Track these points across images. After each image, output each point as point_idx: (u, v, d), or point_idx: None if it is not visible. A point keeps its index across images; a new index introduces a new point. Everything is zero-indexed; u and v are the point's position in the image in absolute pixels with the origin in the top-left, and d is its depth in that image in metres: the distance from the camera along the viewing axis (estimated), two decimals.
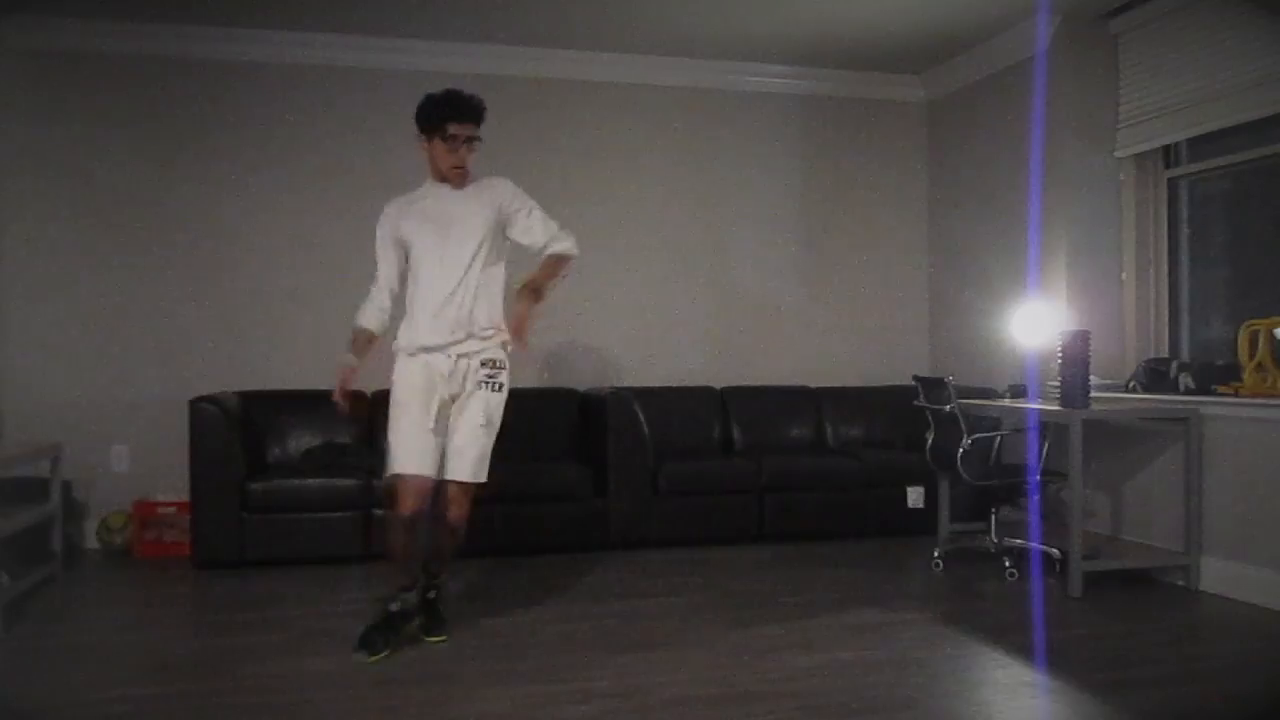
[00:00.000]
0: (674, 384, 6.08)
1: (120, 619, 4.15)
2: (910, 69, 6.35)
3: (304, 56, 5.68)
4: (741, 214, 6.36)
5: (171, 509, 5.20)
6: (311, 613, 4.08)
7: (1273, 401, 4.12)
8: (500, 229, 3.66)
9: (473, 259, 3.58)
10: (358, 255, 5.88)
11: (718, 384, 6.15)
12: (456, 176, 3.60)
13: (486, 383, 3.60)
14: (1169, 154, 5.23)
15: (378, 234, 3.71)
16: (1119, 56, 5.31)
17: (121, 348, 5.52)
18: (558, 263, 3.66)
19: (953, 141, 6.34)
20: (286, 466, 5.22)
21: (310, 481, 4.99)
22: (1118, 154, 5.31)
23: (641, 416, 5.36)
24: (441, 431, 3.58)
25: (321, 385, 5.58)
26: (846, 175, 6.50)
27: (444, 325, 3.56)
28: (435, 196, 3.64)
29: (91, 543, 5.38)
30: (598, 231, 6.06)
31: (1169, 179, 5.24)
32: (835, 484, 5.58)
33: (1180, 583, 4.50)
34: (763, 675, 3.30)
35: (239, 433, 4.98)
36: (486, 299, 3.62)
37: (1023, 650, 3.60)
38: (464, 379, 3.59)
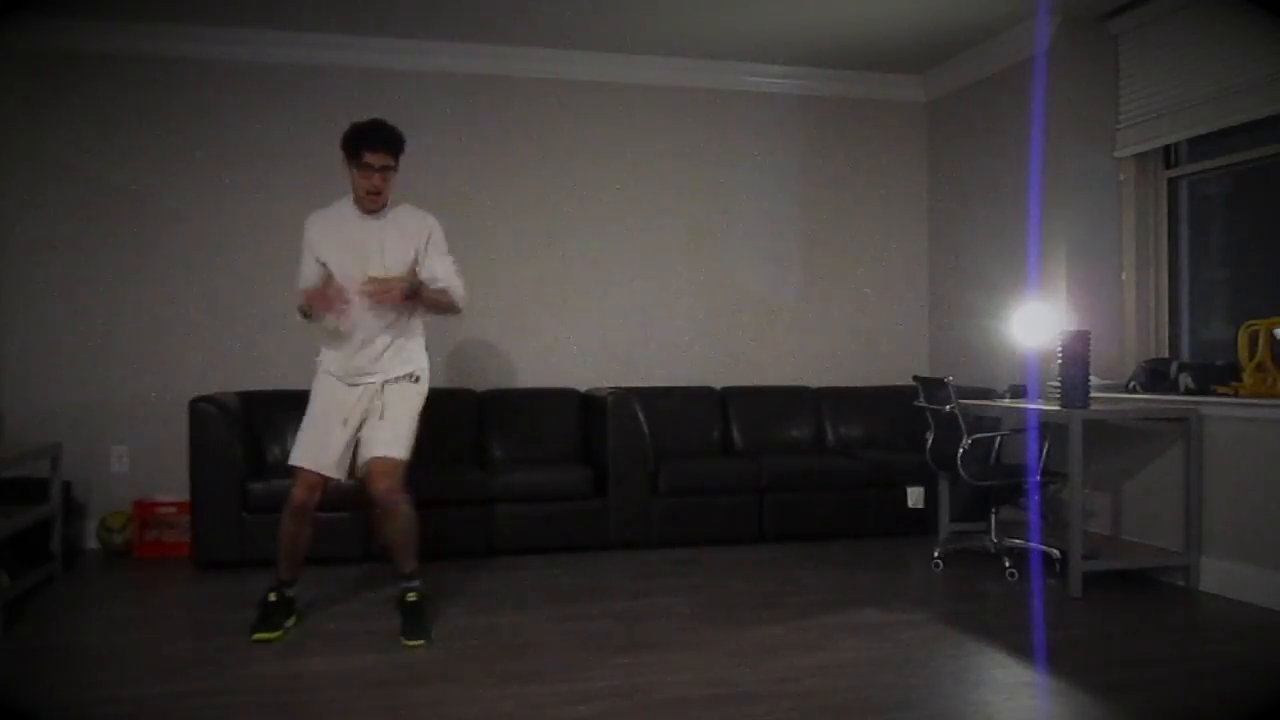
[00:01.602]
0: (674, 384, 6.09)
1: (120, 619, 4.15)
2: (910, 69, 6.35)
3: (304, 56, 5.68)
4: (741, 214, 6.36)
5: (171, 509, 5.20)
6: (311, 613, 4.08)
7: (1273, 401, 4.12)
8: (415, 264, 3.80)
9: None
10: None
11: (718, 384, 6.16)
12: (369, 201, 3.69)
13: (405, 377, 3.79)
14: (1169, 154, 5.23)
15: (303, 244, 3.82)
16: (1119, 56, 5.31)
17: (121, 348, 5.52)
18: (443, 297, 3.77)
19: (953, 141, 6.34)
20: (287, 467, 5.20)
21: None
22: (1118, 154, 5.32)
23: (641, 416, 5.36)
24: (353, 435, 3.80)
25: None
26: (846, 175, 6.50)
27: (370, 357, 3.74)
28: (356, 222, 3.74)
29: (91, 543, 5.38)
30: (597, 231, 6.09)
31: (1169, 179, 5.24)
32: (835, 484, 5.58)
33: (1180, 583, 4.50)
34: (763, 675, 3.30)
35: (239, 433, 4.98)
36: (410, 335, 3.82)
37: (1023, 650, 3.60)
38: (383, 390, 3.78)
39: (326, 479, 3.77)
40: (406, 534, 3.75)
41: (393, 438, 3.72)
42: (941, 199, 6.48)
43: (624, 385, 5.79)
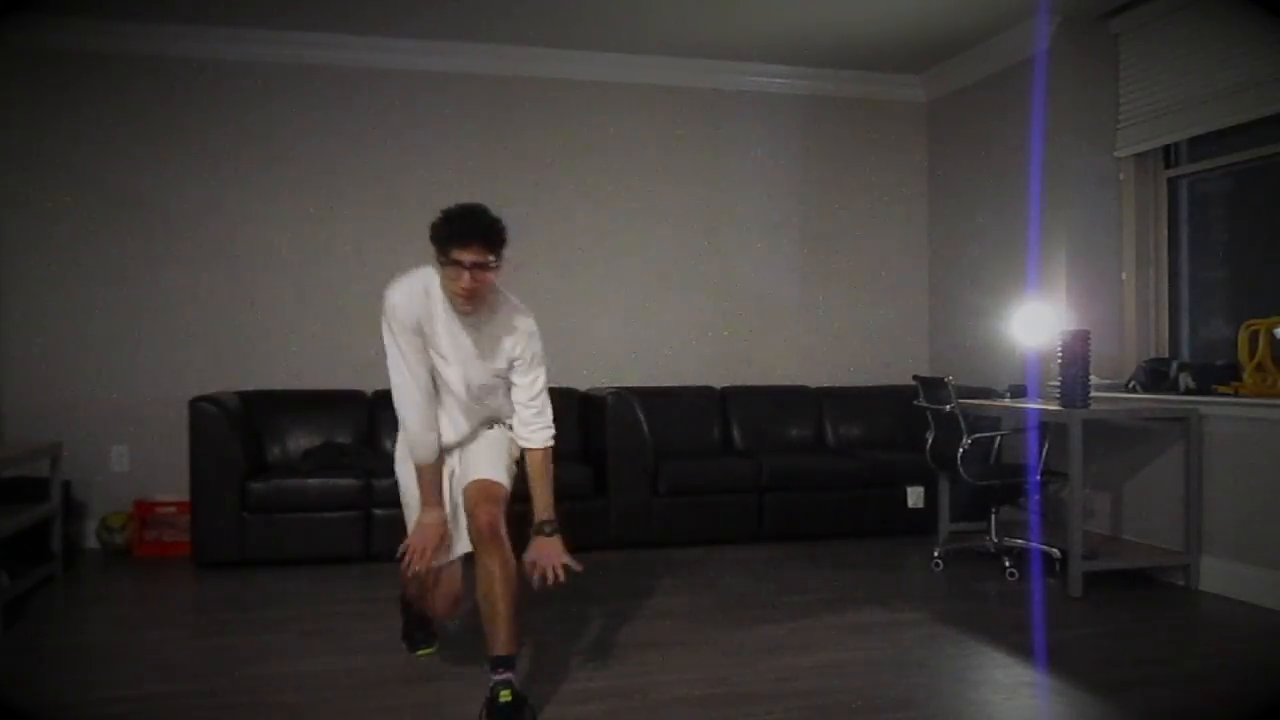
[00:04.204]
0: (674, 384, 6.09)
1: (120, 619, 4.15)
2: (910, 69, 6.35)
3: (304, 56, 5.68)
4: (741, 214, 6.36)
5: (171, 509, 5.20)
6: (311, 613, 4.08)
7: (1273, 401, 4.12)
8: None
9: (488, 401, 3.19)
10: (357, 255, 5.85)
11: (718, 384, 6.16)
12: (462, 304, 2.94)
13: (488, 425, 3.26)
14: (1169, 154, 5.23)
15: (394, 328, 2.99)
16: (1119, 56, 5.31)
17: (121, 348, 5.52)
18: (546, 460, 3.16)
19: (953, 141, 6.34)
20: (286, 466, 5.22)
21: (310, 481, 4.99)
22: (1118, 154, 5.31)
23: (641, 416, 5.36)
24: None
25: (321, 385, 5.64)
26: (846, 175, 6.50)
27: (458, 433, 3.21)
28: (450, 320, 3.04)
29: (91, 543, 5.38)
30: (598, 231, 6.09)
31: (1169, 179, 5.24)
32: (835, 484, 5.58)
33: (1180, 583, 4.50)
34: (763, 675, 3.30)
35: (239, 433, 4.98)
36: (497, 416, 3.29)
37: (1023, 650, 3.60)
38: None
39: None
40: (506, 586, 2.94)
41: (493, 463, 3.13)
42: (941, 199, 6.48)
43: (624, 385, 5.79)
